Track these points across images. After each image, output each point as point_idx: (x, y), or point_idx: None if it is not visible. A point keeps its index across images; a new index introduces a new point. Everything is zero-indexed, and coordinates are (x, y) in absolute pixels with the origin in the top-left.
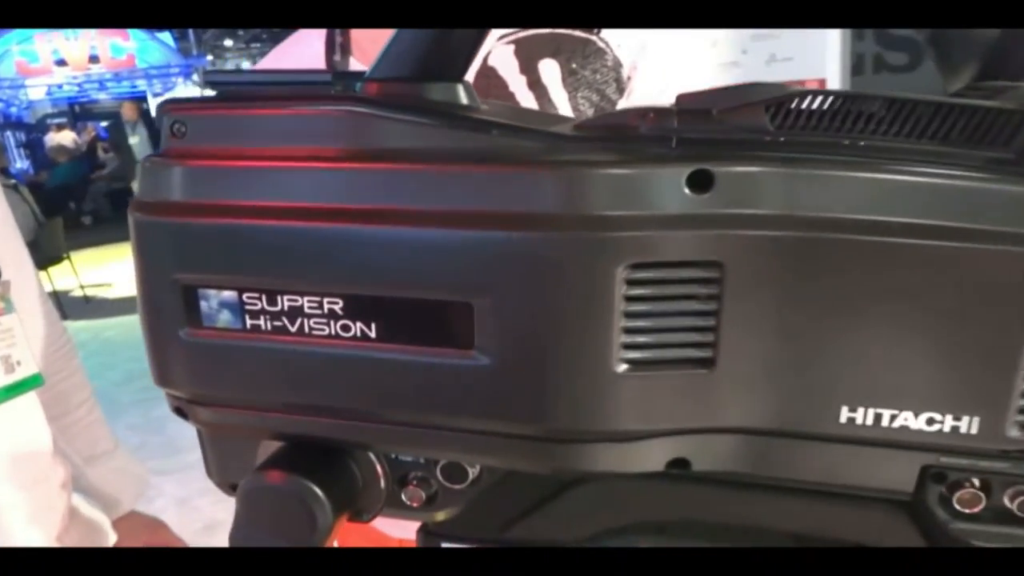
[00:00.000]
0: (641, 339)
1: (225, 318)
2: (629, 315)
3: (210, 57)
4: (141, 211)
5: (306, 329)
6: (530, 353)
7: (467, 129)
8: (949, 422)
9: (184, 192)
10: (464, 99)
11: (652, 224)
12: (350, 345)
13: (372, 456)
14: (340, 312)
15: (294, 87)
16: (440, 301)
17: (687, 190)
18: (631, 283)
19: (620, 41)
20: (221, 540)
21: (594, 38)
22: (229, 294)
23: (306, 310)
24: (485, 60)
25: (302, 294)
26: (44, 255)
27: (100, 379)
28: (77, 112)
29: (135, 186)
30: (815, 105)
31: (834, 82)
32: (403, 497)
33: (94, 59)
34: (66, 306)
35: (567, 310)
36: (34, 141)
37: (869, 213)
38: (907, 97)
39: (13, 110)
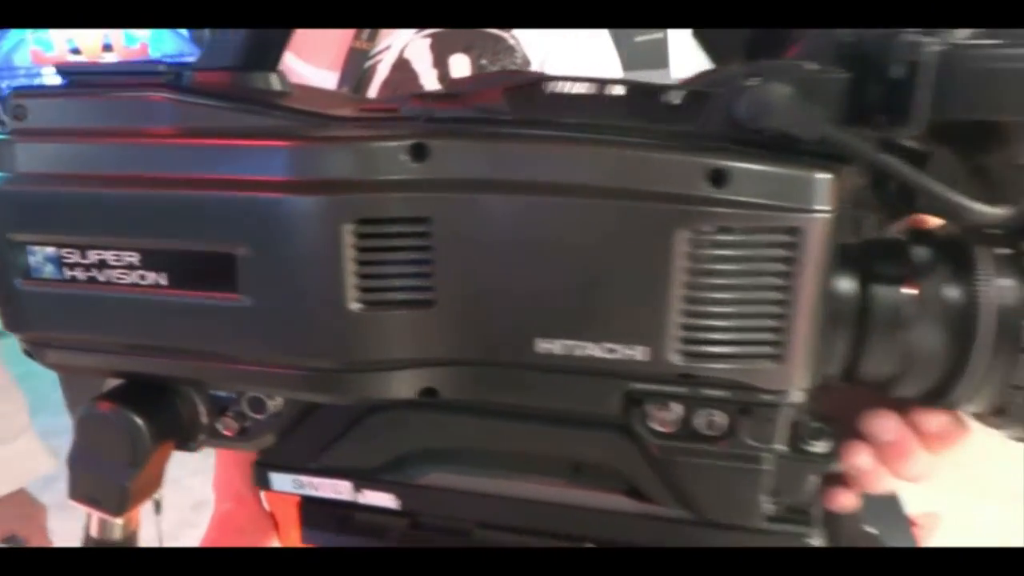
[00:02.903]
0: (371, 283)
1: (49, 270)
2: (361, 262)
3: None
4: None
5: (112, 279)
6: (281, 296)
7: (252, 112)
8: (623, 351)
9: (15, 166)
10: (277, 86)
11: (376, 187)
12: (148, 292)
13: (192, 391)
14: (137, 264)
15: (129, 76)
16: (211, 252)
17: (408, 159)
18: (361, 236)
19: (530, 39)
20: (207, 517)
21: (505, 36)
22: (50, 250)
23: (111, 263)
24: (401, 52)
25: (107, 248)
26: None
27: None
28: None
29: None
30: (553, 89)
31: None
32: (219, 428)
33: (107, 48)
34: None
35: (308, 259)
36: None
37: (550, 177)
38: (619, 80)
39: None
